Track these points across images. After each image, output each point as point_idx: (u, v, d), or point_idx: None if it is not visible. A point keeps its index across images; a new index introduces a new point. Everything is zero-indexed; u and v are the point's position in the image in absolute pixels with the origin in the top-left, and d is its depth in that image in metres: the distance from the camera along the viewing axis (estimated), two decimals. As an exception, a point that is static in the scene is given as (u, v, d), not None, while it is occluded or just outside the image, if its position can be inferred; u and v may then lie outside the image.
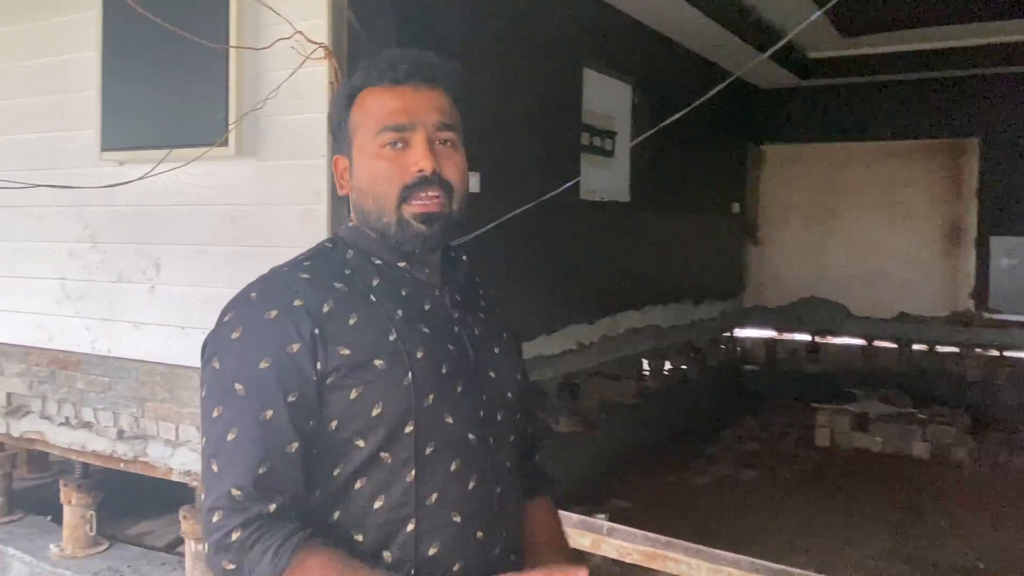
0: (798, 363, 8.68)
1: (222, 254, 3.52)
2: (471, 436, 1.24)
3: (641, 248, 6.61)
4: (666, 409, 6.92)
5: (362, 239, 1.29)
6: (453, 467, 1.22)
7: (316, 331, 1.16)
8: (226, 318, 1.21)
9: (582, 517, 3.00)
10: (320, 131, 3.31)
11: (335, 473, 1.18)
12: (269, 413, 1.14)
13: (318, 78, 3.28)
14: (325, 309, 1.18)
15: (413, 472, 1.19)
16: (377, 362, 1.18)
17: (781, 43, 3.09)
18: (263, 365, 1.15)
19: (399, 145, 1.23)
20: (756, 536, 4.72)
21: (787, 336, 8.87)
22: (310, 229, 3.29)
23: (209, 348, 1.21)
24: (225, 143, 3.37)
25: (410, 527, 1.19)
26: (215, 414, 1.15)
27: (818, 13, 3.22)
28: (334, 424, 1.17)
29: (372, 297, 1.23)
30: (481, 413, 1.27)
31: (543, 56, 5.16)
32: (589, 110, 5.95)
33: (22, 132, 4.16)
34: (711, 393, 7.81)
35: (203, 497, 1.16)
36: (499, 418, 1.30)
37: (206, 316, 3.40)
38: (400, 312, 1.23)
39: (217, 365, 1.18)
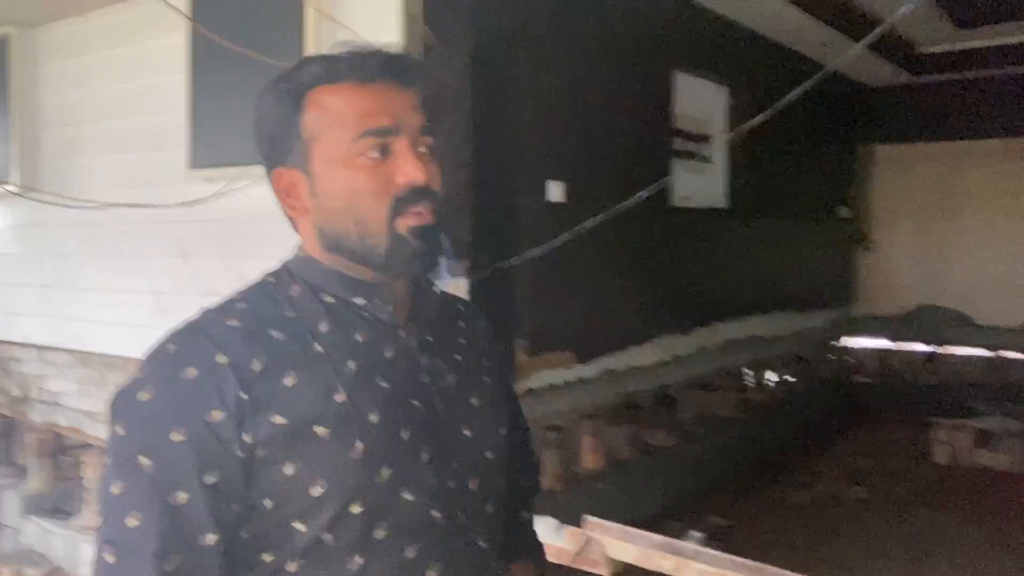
0: (914, 375, 8.18)
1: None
2: (435, 514, 1.03)
3: (740, 255, 6.38)
4: (769, 423, 6.63)
5: (311, 271, 1.07)
6: (410, 553, 1.01)
7: (243, 395, 0.95)
8: (140, 374, 0.99)
9: (666, 539, 2.86)
10: (394, 143, 3.31)
11: (266, 559, 0.98)
12: (181, 497, 0.93)
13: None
14: (256, 367, 0.97)
15: (360, 560, 0.98)
16: (319, 430, 0.96)
17: (877, 32, 2.89)
18: (176, 437, 0.93)
19: (381, 153, 1.03)
20: (865, 561, 4.44)
21: (902, 347, 8.38)
22: (384, 241, 3.29)
23: (114, 409, 0.98)
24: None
25: None
26: (114, 491, 0.94)
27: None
28: (268, 503, 0.96)
29: (318, 346, 1.01)
30: (450, 484, 1.06)
31: (631, 60, 5.05)
32: (681, 114, 5.79)
33: (119, 153, 4.36)
34: (818, 407, 7.46)
35: None
36: (472, 487, 1.09)
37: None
38: (352, 364, 1.02)
39: (121, 431, 0.96)
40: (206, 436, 0.93)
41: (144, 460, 0.93)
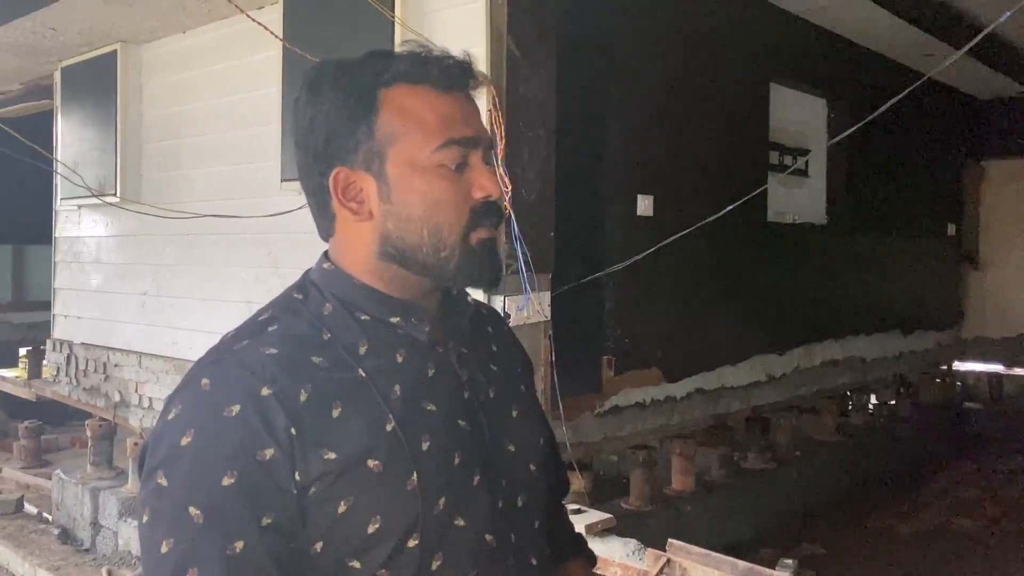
0: (1029, 402, 7.70)
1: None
2: (488, 538, 0.98)
3: (840, 273, 6.13)
4: (870, 449, 6.32)
5: (343, 287, 1.00)
6: None
7: (292, 430, 0.88)
8: (171, 415, 0.91)
9: (751, 565, 2.73)
10: (479, 155, 3.29)
11: None
12: (239, 545, 0.85)
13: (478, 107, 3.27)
14: (302, 398, 0.90)
15: None
16: (371, 463, 0.90)
17: (978, 38, 2.71)
18: (227, 481, 0.86)
19: (455, 164, 0.98)
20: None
21: (1017, 371, 7.90)
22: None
23: (152, 456, 0.90)
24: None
25: None
26: (164, 549, 0.86)
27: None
28: (319, 546, 0.90)
29: (361, 371, 0.95)
30: (500, 504, 1.01)
31: (725, 73, 4.93)
32: (778, 128, 5.61)
33: (215, 165, 4.49)
34: (924, 433, 7.07)
35: None
36: (521, 504, 1.04)
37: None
38: (398, 388, 0.95)
39: (164, 482, 0.87)
40: (258, 476, 0.87)
41: (194, 511, 0.85)
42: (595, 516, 2.96)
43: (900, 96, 3.10)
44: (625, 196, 4.34)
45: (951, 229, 7.87)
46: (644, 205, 4.40)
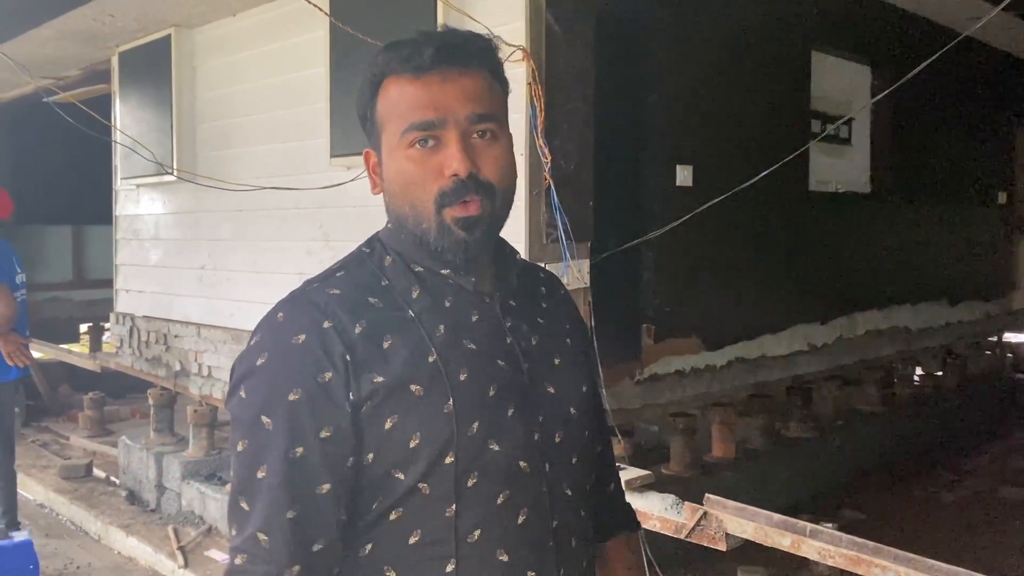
0: (1082, 372, 7.58)
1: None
2: (522, 464, 1.10)
3: (884, 242, 6.09)
4: (916, 419, 6.30)
5: (401, 243, 1.15)
6: (500, 500, 1.09)
7: (348, 356, 1.04)
8: (253, 340, 1.09)
9: (782, 517, 2.82)
10: (519, 131, 3.38)
11: (374, 506, 1.08)
12: (299, 450, 1.03)
13: (517, 80, 3.35)
14: (357, 331, 1.06)
15: (453, 507, 1.06)
16: (414, 388, 1.05)
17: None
18: (292, 397, 1.03)
19: (430, 143, 1.09)
20: (1020, 560, 4.18)
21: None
22: (509, 226, 3.36)
23: (236, 373, 1.09)
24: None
25: (449, 567, 1.07)
26: (240, 447, 1.06)
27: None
28: (370, 457, 1.06)
29: (411, 312, 1.10)
30: (535, 436, 1.12)
31: (764, 41, 4.93)
32: (819, 96, 5.59)
33: (266, 143, 4.65)
34: (972, 403, 7.01)
35: (231, 533, 1.07)
36: (558, 440, 1.15)
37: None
38: (442, 328, 1.10)
39: (244, 394, 1.07)
40: (319, 395, 1.03)
41: (265, 419, 1.04)
42: (634, 472, 3.07)
43: (939, 54, 3.13)
44: (664, 166, 4.39)
45: (1002, 198, 7.73)
46: (683, 175, 4.45)
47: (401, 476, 1.06)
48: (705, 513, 2.83)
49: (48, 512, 5.44)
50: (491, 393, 1.09)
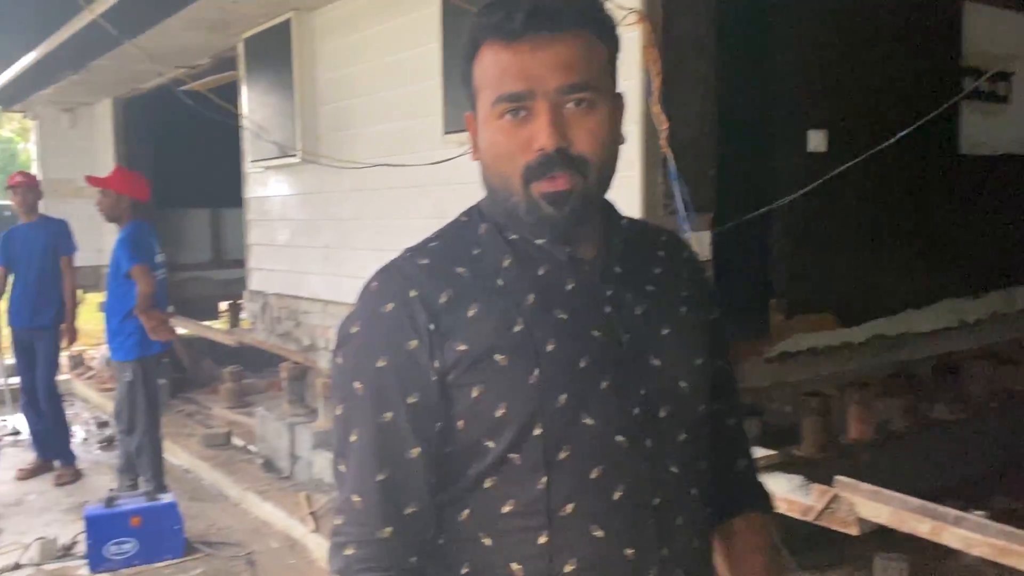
0: None
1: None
2: (618, 439, 1.06)
3: (1047, 209, 5.57)
4: (1082, 401, 5.76)
5: (496, 212, 1.12)
6: (594, 474, 1.05)
7: (432, 326, 1.04)
8: (350, 311, 1.13)
9: (921, 502, 2.61)
10: (634, 97, 3.24)
11: (469, 472, 1.08)
12: (388, 416, 1.05)
13: (631, 45, 3.20)
14: (442, 300, 1.06)
15: (544, 479, 1.04)
16: (498, 357, 1.04)
17: None
18: (380, 364, 1.05)
19: (521, 113, 1.03)
20: None
21: None
22: (624, 197, 3.24)
23: (336, 340, 1.13)
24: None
25: (542, 539, 1.05)
26: (338, 412, 1.09)
27: None
28: (461, 424, 1.06)
29: (500, 281, 1.08)
30: (636, 411, 1.07)
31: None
32: (973, 51, 5.13)
33: (382, 123, 4.68)
34: None
35: (334, 495, 1.12)
36: (663, 415, 1.09)
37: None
38: (532, 297, 1.07)
39: (340, 360, 1.10)
40: (405, 362, 1.04)
41: (358, 385, 1.06)
42: (758, 452, 2.92)
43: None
44: (795, 132, 4.15)
45: None
46: (816, 140, 4.20)
47: (492, 445, 1.05)
48: (835, 496, 2.65)
49: (192, 477, 5.74)
50: (581, 365, 1.05)
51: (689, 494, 1.12)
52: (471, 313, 1.05)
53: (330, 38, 5.12)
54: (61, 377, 6.89)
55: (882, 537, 3.13)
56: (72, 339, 5.86)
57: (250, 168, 6.08)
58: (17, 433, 6.50)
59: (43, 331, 5.59)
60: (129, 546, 4.15)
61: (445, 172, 4.10)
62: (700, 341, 1.16)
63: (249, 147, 5.93)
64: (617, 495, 1.06)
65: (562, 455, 1.04)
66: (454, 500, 1.09)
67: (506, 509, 1.06)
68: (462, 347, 1.04)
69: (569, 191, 1.04)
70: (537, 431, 1.03)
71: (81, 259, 6.11)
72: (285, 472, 5.36)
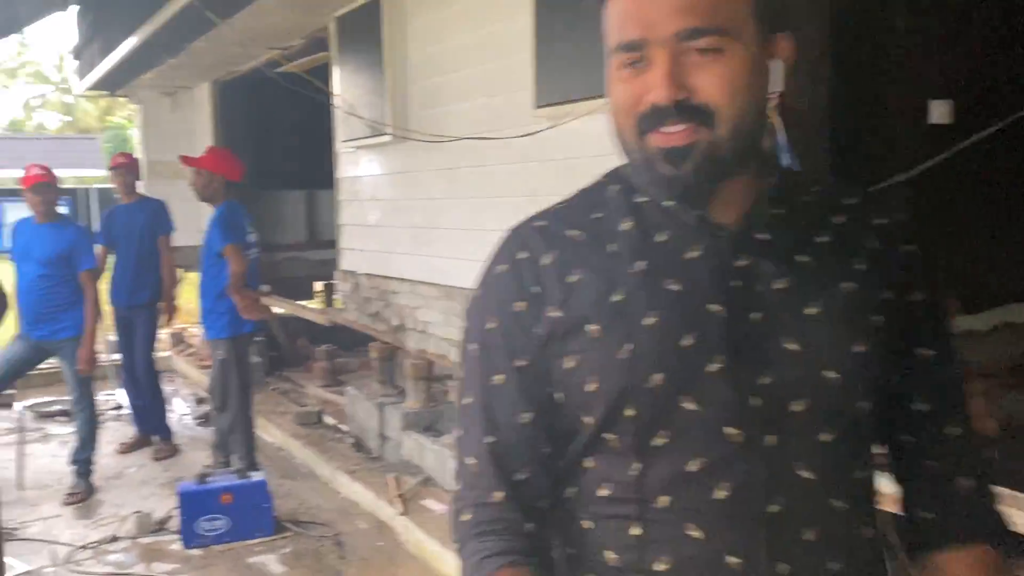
0: None
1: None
2: (728, 431, 0.94)
3: None
4: None
5: (629, 171, 1.05)
6: (693, 467, 0.95)
7: (536, 288, 1.01)
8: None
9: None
10: (740, 63, 3.02)
11: (571, 448, 1.03)
12: (498, 378, 1.02)
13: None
14: (545, 262, 1.02)
15: (638, 465, 0.97)
16: (590, 328, 0.97)
17: None
18: (490, 325, 1.04)
19: (640, 64, 0.93)
20: None
21: None
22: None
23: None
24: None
25: (634, 530, 0.98)
26: (460, 374, 1.09)
27: None
28: (560, 396, 1.01)
29: (614, 246, 1.01)
30: (756, 401, 0.94)
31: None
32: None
33: (471, 99, 4.56)
34: None
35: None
36: (798, 409, 0.95)
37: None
38: (644, 265, 0.98)
39: (465, 323, 1.10)
40: (512, 325, 1.02)
41: (472, 347, 1.06)
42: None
43: None
44: (915, 102, 3.84)
45: None
46: (939, 111, 3.88)
47: (589, 421, 1.00)
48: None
49: (284, 455, 5.81)
50: (685, 343, 0.95)
51: (829, 506, 0.97)
52: (572, 279, 1.00)
53: (420, 15, 5.02)
54: (162, 354, 7.09)
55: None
56: (171, 317, 5.99)
57: (341, 148, 6.06)
58: (120, 408, 6.71)
59: (142, 309, 5.73)
60: (220, 523, 4.20)
61: (535, 149, 3.96)
62: (866, 325, 0.98)
63: (340, 127, 5.91)
64: (721, 494, 0.94)
65: (658, 441, 0.96)
66: (563, 476, 1.05)
67: (602, 493, 1.00)
68: (557, 313, 0.99)
69: (691, 145, 0.92)
70: (630, 411, 0.96)
71: (181, 239, 6.24)
72: (374, 452, 5.37)
